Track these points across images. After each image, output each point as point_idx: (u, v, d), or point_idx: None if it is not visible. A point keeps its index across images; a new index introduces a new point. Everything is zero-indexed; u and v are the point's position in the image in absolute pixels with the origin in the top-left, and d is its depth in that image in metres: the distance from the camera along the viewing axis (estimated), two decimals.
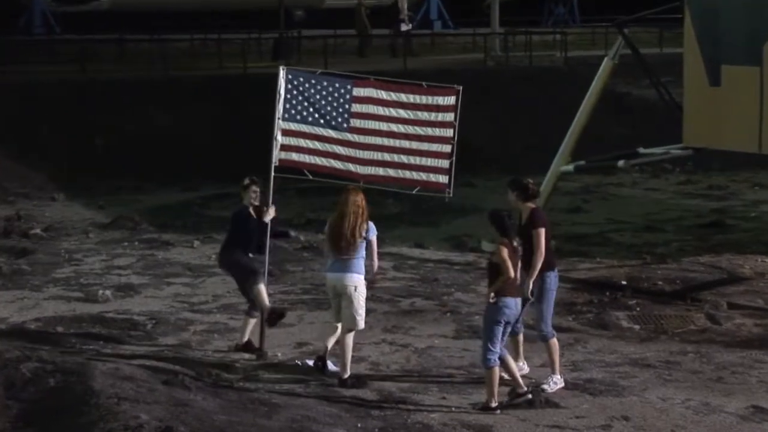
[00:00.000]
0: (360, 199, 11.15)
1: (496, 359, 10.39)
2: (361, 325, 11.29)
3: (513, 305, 10.49)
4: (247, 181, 12.04)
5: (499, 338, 10.43)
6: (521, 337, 11.35)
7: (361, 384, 11.05)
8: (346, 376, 11.10)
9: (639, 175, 25.07)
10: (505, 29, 36.98)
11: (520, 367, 11.22)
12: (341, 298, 11.18)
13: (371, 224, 11.24)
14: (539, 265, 10.87)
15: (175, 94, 27.60)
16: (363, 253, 11.21)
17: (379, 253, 11.61)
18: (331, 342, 11.45)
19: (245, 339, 12.00)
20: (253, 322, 11.96)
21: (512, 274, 10.34)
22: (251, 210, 12.02)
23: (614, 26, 18.81)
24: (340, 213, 11.13)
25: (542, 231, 10.90)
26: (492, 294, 10.39)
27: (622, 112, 27.53)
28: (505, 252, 10.39)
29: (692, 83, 15.97)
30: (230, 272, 12.36)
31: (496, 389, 10.41)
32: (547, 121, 25.08)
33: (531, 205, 11.11)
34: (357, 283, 11.14)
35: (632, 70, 21.44)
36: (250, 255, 12.04)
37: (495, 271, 10.45)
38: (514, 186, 11.18)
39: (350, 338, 11.21)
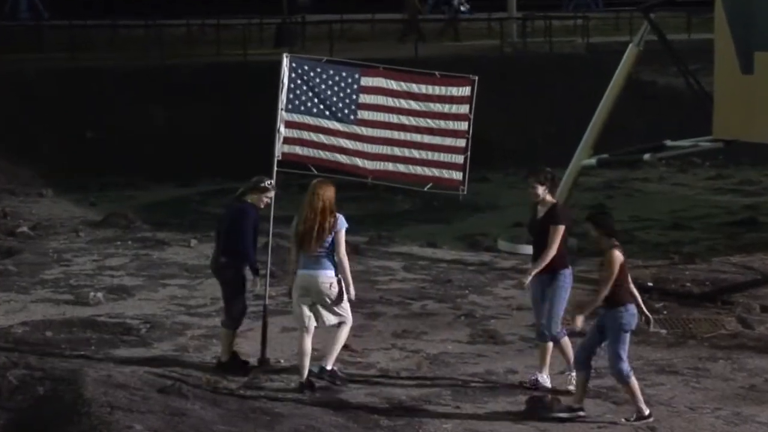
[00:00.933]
0: (324, 191, 11.10)
1: (629, 367, 10.42)
2: (350, 319, 11.32)
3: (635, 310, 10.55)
4: (268, 183, 11.71)
5: (627, 346, 10.46)
6: (550, 346, 11.29)
7: (336, 380, 11.16)
8: (328, 367, 11.15)
9: (666, 169, 25.05)
10: (523, 14, 37.01)
11: (543, 380, 11.25)
12: (314, 297, 11.18)
13: (340, 217, 11.18)
14: (547, 261, 10.92)
15: (170, 83, 27.66)
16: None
17: (347, 246, 11.42)
18: (307, 361, 11.29)
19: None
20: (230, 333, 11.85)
21: (605, 290, 10.27)
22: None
23: (639, 10, 18.81)
24: (304, 206, 11.15)
25: (562, 228, 10.94)
26: (580, 319, 10.40)
27: (647, 102, 27.50)
28: (618, 259, 10.29)
29: (723, 71, 15.96)
30: (226, 277, 11.89)
31: (640, 395, 10.44)
32: (567, 111, 25.08)
33: (552, 199, 11.14)
34: (332, 279, 11.16)
35: (659, 57, 21.44)
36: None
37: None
38: (543, 178, 11.15)
39: (345, 331, 11.29)
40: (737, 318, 13.70)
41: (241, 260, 11.67)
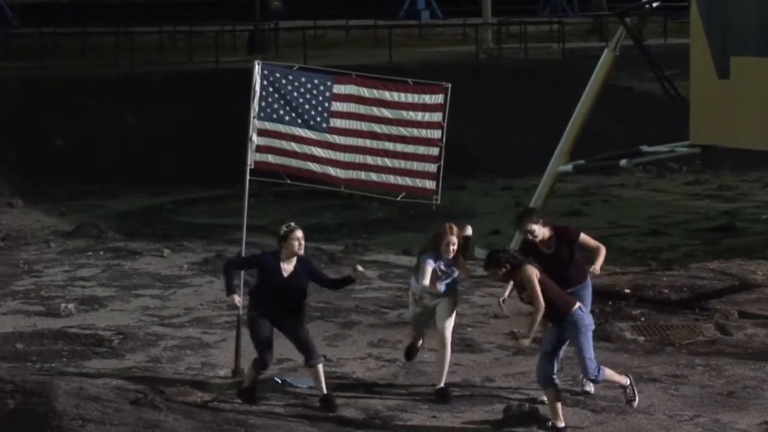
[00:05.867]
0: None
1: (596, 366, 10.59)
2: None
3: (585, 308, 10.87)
4: (286, 229, 10.94)
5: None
6: None
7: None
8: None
9: (643, 175, 25.14)
10: (499, 19, 37.12)
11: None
12: None
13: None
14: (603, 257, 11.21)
15: (142, 91, 27.60)
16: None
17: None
18: None
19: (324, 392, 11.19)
20: (319, 371, 11.14)
21: (540, 311, 10.41)
22: (283, 264, 10.93)
23: (615, 15, 18.88)
24: None
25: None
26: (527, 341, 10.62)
27: (624, 107, 27.61)
28: (533, 274, 10.41)
29: (699, 76, 16.02)
30: None
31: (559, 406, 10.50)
32: (543, 117, 25.16)
33: (549, 230, 11.10)
34: None
35: (635, 62, 21.52)
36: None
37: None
38: (536, 216, 11.12)
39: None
40: (715, 324, 13.75)
41: (249, 306, 11.22)
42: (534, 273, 10.36)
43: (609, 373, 10.67)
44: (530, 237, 10.97)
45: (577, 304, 10.54)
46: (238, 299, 11.14)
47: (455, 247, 11.17)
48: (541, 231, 11.02)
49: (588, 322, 10.54)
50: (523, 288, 10.41)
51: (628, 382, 10.76)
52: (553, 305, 10.36)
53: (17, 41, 34.57)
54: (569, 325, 10.44)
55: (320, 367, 11.09)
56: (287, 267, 10.97)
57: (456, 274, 11.28)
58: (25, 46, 33.07)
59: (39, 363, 12.35)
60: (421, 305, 11.43)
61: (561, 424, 10.39)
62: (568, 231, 11.29)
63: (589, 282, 11.35)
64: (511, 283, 10.83)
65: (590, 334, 10.55)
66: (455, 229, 11.25)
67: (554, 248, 11.05)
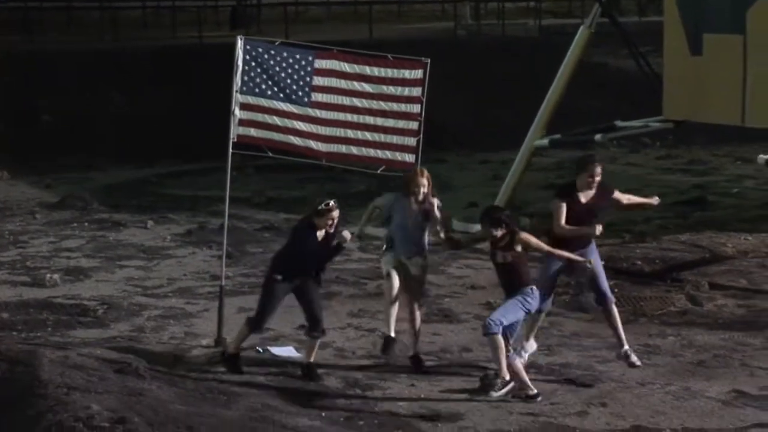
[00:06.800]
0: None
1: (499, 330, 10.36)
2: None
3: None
4: (324, 206, 10.90)
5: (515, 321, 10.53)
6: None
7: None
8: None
9: (617, 149, 25.18)
10: None
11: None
12: None
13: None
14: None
15: (127, 66, 27.49)
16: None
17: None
18: None
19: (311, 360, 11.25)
20: (315, 344, 11.19)
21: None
22: (317, 234, 11.00)
23: None
24: None
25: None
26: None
27: (599, 83, 27.63)
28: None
29: (672, 53, 16.05)
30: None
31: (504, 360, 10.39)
32: (520, 93, 25.15)
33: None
34: None
35: (610, 39, 21.52)
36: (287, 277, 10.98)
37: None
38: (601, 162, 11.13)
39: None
40: (686, 295, 13.82)
41: (270, 269, 11.22)
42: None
43: (514, 369, 10.34)
44: (595, 179, 10.86)
45: (533, 286, 10.49)
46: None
47: (425, 189, 11.15)
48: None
49: (531, 300, 10.41)
50: (512, 248, 10.36)
51: (512, 385, 10.35)
52: (518, 275, 10.38)
53: (4, 15, 34.34)
54: (516, 293, 10.40)
55: (318, 342, 11.13)
56: (320, 234, 11.06)
57: (426, 233, 11.24)
58: (12, 20, 32.84)
59: (24, 332, 12.34)
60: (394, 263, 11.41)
61: (532, 391, 10.43)
62: (608, 183, 11.22)
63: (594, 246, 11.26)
64: None
65: (520, 309, 10.36)
66: (425, 172, 11.21)
67: (594, 198, 11.02)
